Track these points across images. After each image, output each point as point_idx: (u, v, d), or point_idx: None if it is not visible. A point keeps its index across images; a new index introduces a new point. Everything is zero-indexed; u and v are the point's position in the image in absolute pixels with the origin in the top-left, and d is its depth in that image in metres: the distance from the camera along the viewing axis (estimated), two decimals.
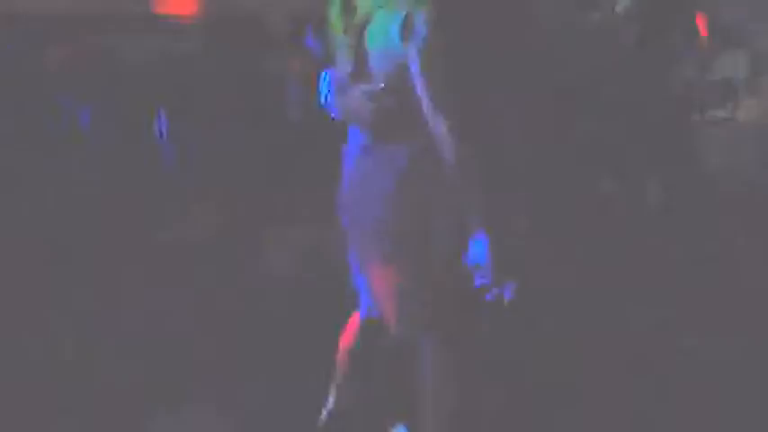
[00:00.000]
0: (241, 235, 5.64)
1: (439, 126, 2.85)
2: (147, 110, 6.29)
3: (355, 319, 3.36)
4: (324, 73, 3.13)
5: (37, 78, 6.13)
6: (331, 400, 3.41)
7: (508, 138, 3.10)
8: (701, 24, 5.73)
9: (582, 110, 5.57)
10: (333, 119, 3.15)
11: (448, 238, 2.96)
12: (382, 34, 2.93)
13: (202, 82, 6.56)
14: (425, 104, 2.87)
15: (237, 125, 6.52)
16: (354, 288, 3.27)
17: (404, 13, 2.84)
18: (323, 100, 3.14)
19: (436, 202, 2.96)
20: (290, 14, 6.71)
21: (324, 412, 3.41)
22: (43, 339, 4.26)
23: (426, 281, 3.04)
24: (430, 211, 2.98)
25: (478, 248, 2.88)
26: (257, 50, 6.77)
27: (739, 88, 7.05)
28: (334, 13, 3.09)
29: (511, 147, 3.15)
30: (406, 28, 2.85)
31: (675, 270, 4.82)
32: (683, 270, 4.86)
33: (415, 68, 2.86)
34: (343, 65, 3.07)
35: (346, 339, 3.39)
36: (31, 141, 5.94)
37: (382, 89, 2.89)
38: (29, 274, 4.89)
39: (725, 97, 6.81)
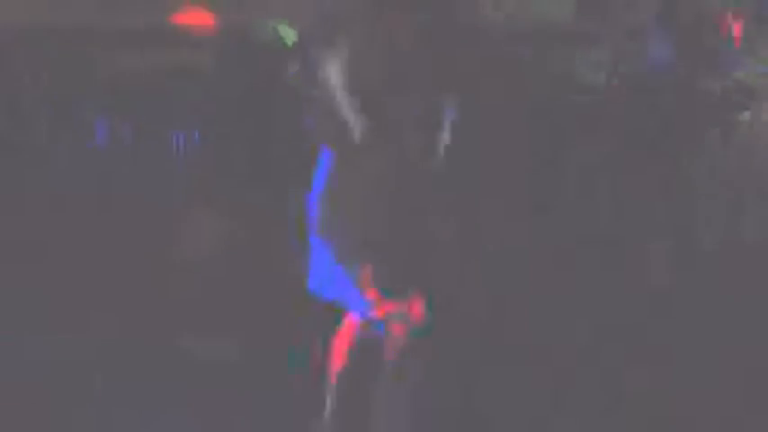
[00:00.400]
0: (252, 244, 5.65)
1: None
2: (163, 122, 6.35)
3: (348, 334, 3.36)
4: None
5: (54, 91, 6.21)
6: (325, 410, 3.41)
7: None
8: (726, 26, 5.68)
9: (594, 114, 5.55)
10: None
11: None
12: None
13: (219, 93, 6.60)
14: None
15: (253, 136, 6.54)
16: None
17: None
18: None
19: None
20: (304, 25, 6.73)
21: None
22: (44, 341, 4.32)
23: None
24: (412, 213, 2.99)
25: None
26: (273, 61, 6.80)
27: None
28: None
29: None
30: None
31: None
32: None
33: None
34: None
35: (340, 355, 3.39)
36: (48, 153, 6.02)
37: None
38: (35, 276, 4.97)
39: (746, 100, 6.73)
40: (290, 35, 6.77)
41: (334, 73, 2.94)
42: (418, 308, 2.93)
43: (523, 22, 5.88)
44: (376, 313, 3.11)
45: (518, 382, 3.87)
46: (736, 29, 5.75)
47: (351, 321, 3.36)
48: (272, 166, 6.26)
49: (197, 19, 6.96)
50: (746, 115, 5.89)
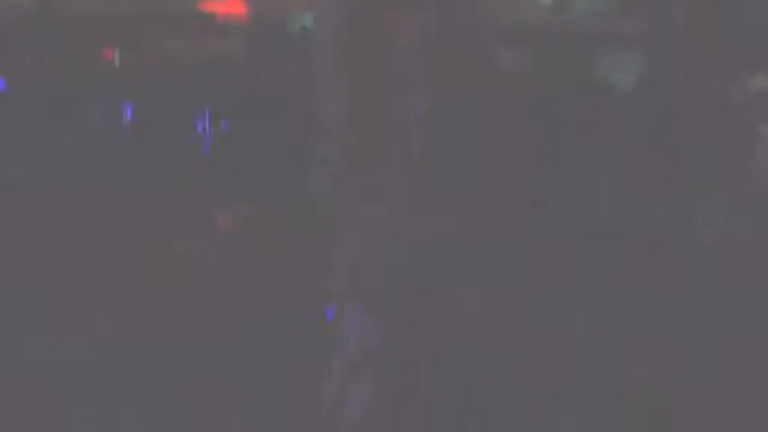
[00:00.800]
0: (277, 232, 5.67)
1: None
2: (191, 107, 6.39)
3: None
4: None
5: (83, 75, 6.27)
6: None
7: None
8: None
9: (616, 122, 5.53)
10: None
11: None
12: None
13: (248, 81, 6.63)
14: None
15: (282, 124, 6.56)
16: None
17: None
18: None
19: None
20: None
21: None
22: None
23: None
24: None
25: None
26: (304, 50, 6.80)
27: None
28: None
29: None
30: None
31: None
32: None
33: None
34: None
35: None
36: (75, 136, 6.07)
37: None
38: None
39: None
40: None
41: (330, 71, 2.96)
42: None
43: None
44: None
45: (518, 379, 3.87)
46: None
47: None
48: (295, 158, 6.28)
49: (228, 7, 7.01)
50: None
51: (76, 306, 4.68)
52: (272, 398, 3.88)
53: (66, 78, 6.23)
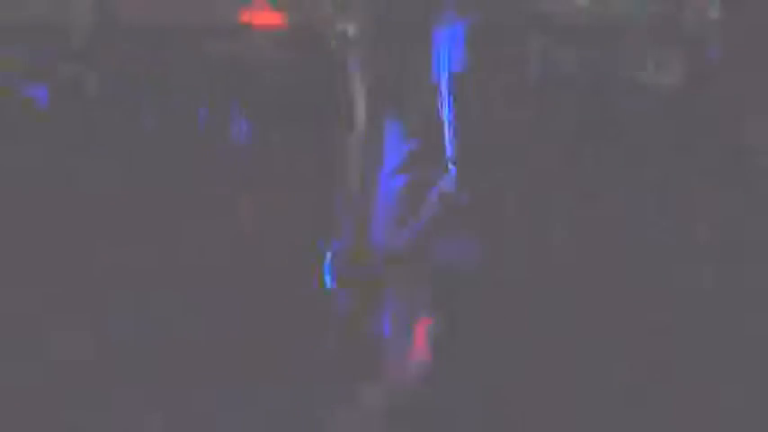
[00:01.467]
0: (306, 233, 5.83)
1: None
2: (226, 111, 6.58)
3: None
4: None
5: (121, 80, 6.47)
6: None
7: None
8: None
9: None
10: None
11: None
12: None
13: (284, 88, 6.80)
14: None
15: (314, 129, 6.72)
16: None
17: None
18: None
19: None
20: None
21: None
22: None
23: None
24: None
25: None
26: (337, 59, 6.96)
27: None
28: None
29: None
30: None
31: None
32: None
33: None
34: None
35: None
36: (107, 138, 6.28)
37: None
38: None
39: None
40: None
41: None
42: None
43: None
44: None
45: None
46: None
47: None
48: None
49: (265, 18, 7.21)
50: None
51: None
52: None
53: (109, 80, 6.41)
